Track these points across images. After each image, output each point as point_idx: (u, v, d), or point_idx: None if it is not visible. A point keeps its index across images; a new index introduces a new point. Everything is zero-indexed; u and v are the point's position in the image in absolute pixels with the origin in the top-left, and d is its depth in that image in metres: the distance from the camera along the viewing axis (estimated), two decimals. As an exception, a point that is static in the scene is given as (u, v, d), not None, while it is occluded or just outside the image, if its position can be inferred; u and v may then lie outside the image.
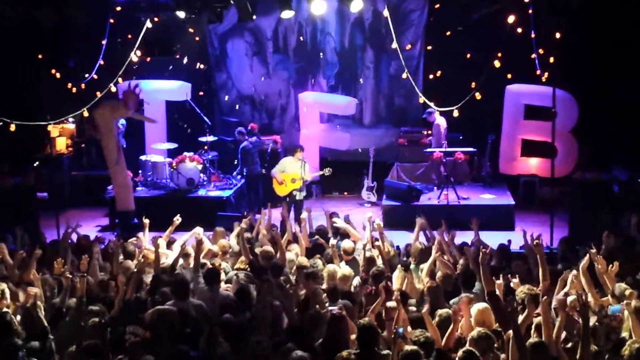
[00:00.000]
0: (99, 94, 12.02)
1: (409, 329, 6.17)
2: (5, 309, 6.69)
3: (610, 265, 7.04)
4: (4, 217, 10.96)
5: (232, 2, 11.74)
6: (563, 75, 11.90)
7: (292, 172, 12.24)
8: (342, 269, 7.85)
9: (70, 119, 14.50)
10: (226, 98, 15.85)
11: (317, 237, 9.33)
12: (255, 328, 6.48)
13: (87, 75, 12.46)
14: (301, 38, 15.51)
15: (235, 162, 14.22)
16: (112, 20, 12.44)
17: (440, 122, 13.79)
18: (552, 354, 5.61)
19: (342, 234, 9.43)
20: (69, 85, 12.69)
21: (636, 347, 5.43)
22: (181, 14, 12.07)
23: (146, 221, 9.44)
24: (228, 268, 8.32)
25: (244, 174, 13.92)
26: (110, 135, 12.26)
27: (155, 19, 12.43)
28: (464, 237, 9.44)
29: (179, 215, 9.28)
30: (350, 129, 15.52)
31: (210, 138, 14.15)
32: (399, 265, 7.80)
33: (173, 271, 7.96)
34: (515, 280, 7.06)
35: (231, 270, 8.23)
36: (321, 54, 15.54)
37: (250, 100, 15.99)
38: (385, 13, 12.34)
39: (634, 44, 12.84)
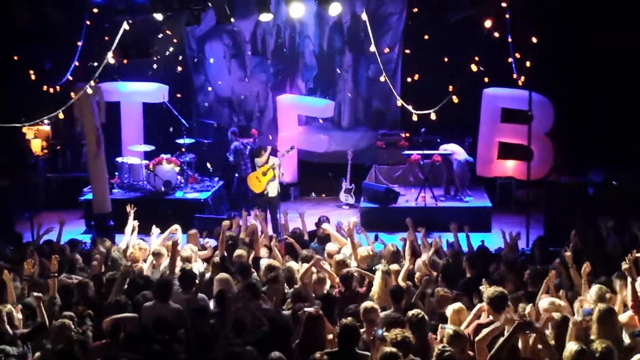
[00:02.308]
0: (73, 96, 11.88)
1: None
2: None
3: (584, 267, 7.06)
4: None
5: (210, 4, 11.67)
6: (539, 79, 12.01)
7: (261, 167, 12.30)
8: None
9: (46, 121, 14.33)
10: (205, 104, 15.81)
11: (286, 237, 9.30)
12: (227, 332, 6.43)
13: (62, 77, 12.32)
14: (279, 40, 15.50)
15: (231, 160, 14.04)
16: (88, 22, 12.33)
17: None
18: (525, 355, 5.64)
19: (320, 237, 9.41)
20: (45, 87, 12.53)
21: (604, 347, 5.41)
22: (158, 16, 11.98)
23: (135, 222, 9.22)
24: (202, 268, 8.24)
25: (236, 175, 13.86)
26: (89, 119, 11.99)
27: (131, 21, 12.34)
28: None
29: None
30: (329, 132, 15.53)
31: (188, 140, 14.08)
32: (374, 267, 7.81)
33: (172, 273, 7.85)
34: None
35: (205, 272, 8.17)
36: (300, 57, 15.55)
37: (228, 103, 15.94)
38: (364, 16, 12.35)
39: (609, 48, 12.97)
